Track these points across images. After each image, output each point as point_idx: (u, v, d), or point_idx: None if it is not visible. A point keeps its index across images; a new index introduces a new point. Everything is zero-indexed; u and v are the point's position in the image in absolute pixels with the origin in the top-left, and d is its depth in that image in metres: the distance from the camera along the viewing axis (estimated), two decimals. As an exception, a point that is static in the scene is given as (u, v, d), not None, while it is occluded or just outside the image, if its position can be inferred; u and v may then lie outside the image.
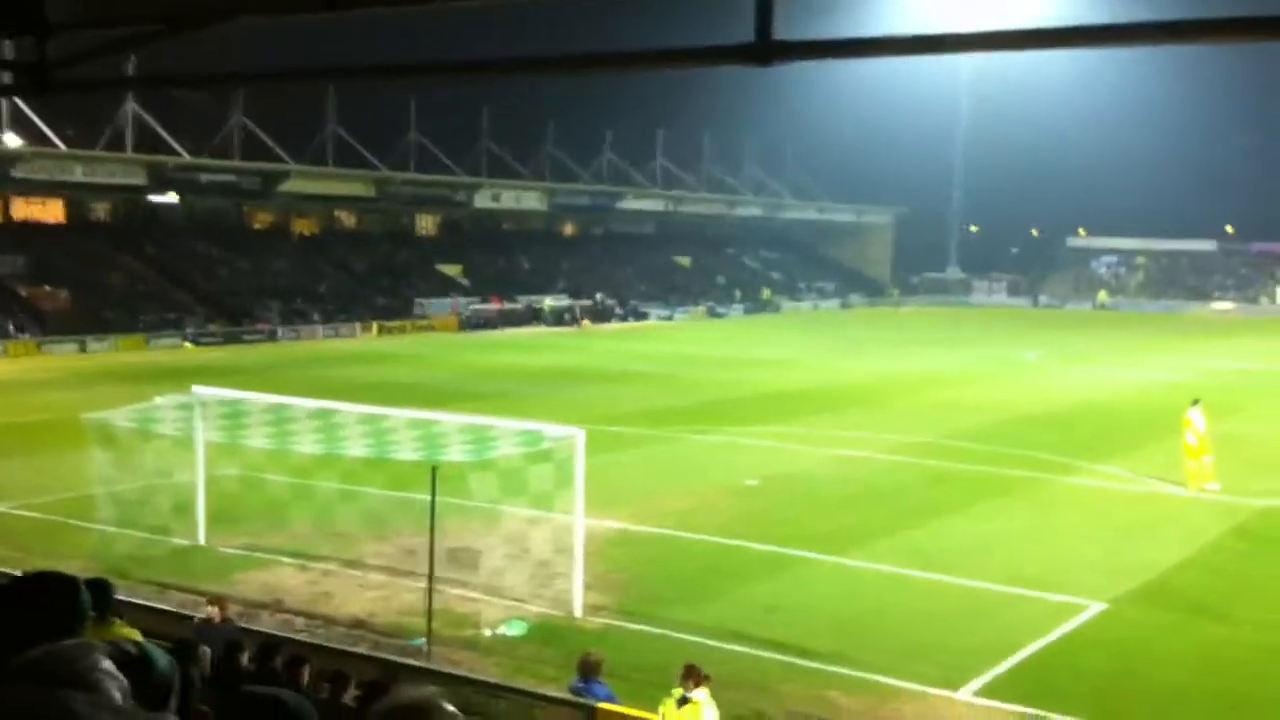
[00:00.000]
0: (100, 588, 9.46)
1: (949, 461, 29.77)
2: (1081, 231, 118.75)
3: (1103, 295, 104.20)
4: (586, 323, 76.74)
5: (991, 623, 17.64)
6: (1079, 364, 54.49)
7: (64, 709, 2.57)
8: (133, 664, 3.49)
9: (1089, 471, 28.49)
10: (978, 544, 22.05)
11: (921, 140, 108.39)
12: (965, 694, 14.93)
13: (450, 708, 2.86)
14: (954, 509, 24.78)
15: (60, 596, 3.31)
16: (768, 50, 5.11)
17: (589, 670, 12.85)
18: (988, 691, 14.99)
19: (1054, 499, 25.80)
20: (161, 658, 3.92)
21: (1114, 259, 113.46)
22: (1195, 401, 27.11)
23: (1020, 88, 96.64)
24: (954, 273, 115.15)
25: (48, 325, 57.95)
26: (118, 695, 2.72)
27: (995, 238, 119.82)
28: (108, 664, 2.77)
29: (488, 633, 16.62)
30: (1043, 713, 14.05)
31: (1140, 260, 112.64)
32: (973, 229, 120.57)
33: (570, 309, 78.49)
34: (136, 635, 9.50)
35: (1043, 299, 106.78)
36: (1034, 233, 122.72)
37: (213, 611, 13.85)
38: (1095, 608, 18.16)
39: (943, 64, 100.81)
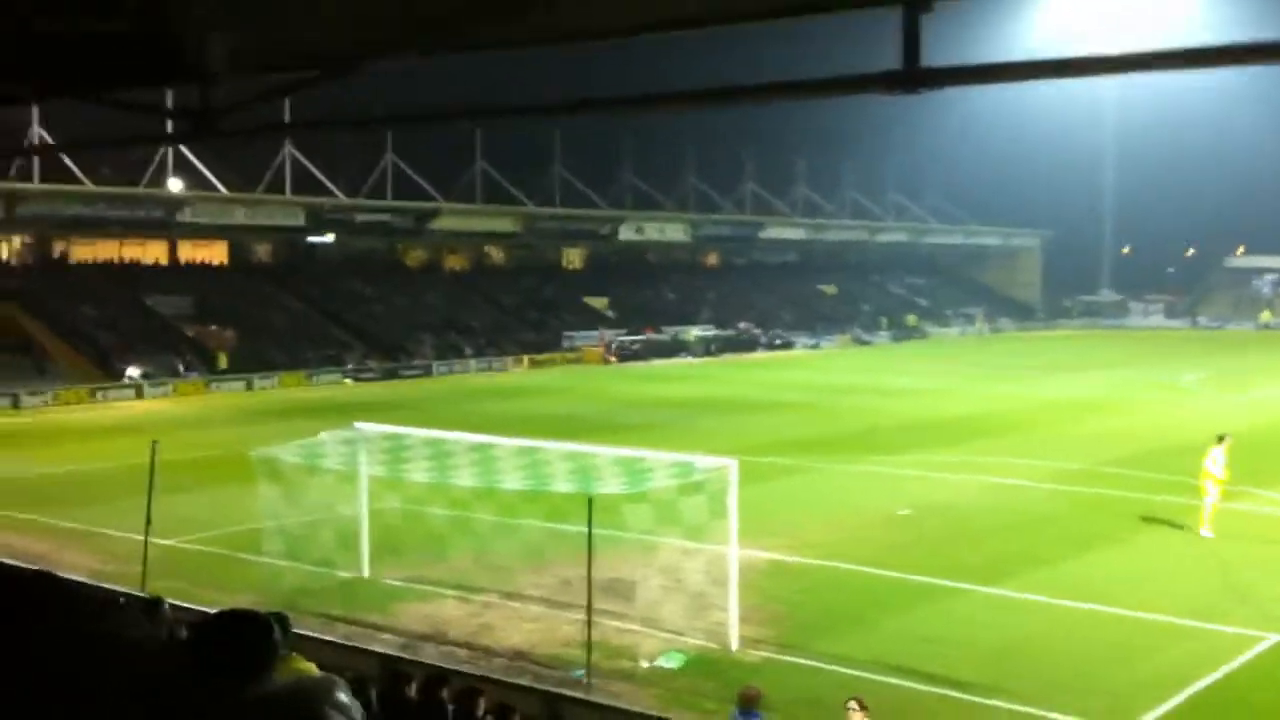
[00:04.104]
0: (283, 622, 9.91)
1: (1105, 489, 29.13)
2: (1241, 250, 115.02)
3: (1266, 315, 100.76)
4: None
5: (1158, 656, 17.22)
6: (1241, 387, 52.76)
7: None
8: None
9: (1254, 498, 27.55)
10: (1139, 574, 21.59)
11: (1069, 160, 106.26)
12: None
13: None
14: (1112, 538, 24.28)
15: (258, 634, 3.58)
16: (916, 77, 5.02)
17: (749, 703, 12.92)
18: (1157, 727, 14.69)
19: (1218, 527, 25.06)
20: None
21: (1276, 277, 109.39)
22: (1220, 439, 25.00)
23: (1171, 102, 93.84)
24: (1107, 295, 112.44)
25: (214, 364, 60.11)
26: None
27: (1150, 258, 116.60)
28: (347, 697, 3.06)
29: (645, 664, 16.80)
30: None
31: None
32: (1125, 250, 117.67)
33: (710, 339, 77.87)
34: (313, 669, 9.91)
35: (1202, 320, 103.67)
36: (1190, 252, 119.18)
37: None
38: (1269, 640, 17.63)
39: (1088, 81, 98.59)
